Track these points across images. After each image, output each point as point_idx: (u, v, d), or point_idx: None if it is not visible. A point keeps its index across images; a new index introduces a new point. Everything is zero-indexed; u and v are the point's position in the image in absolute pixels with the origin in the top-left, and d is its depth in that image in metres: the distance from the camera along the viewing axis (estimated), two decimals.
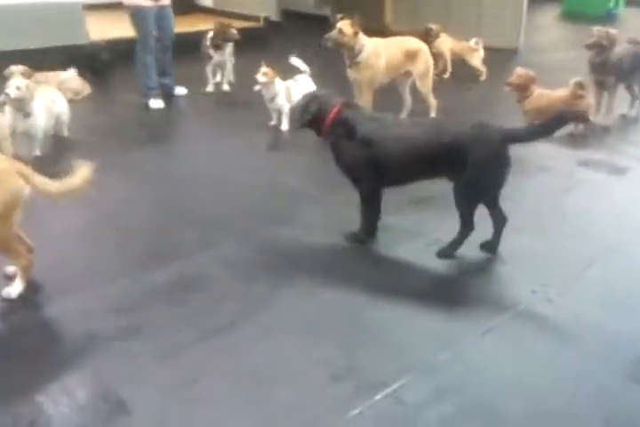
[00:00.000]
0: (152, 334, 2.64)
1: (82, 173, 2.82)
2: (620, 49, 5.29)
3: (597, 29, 5.34)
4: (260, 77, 5.02)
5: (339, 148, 3.24)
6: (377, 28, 5.08)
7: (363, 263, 3.23)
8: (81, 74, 6.16)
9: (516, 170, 4.41)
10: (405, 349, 2.57)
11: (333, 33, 4.82)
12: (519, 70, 5.08)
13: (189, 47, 7.76)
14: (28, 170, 2.78)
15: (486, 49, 7.96)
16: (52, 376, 2.38)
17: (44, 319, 2.76)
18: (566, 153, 4.79)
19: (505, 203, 3.92)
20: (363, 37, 4.90)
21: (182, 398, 2.28)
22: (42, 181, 2.78)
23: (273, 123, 5.33)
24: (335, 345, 2.58)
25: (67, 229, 3.53)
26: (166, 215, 3.74)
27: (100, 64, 6.70)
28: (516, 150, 4.81)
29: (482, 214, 3.28)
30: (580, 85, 4.91)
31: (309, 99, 3.28)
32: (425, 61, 5.23)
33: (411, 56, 5.17)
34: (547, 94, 5.01)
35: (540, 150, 4.85)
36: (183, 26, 8.49)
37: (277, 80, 5.11)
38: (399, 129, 3.19)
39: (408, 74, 5.29)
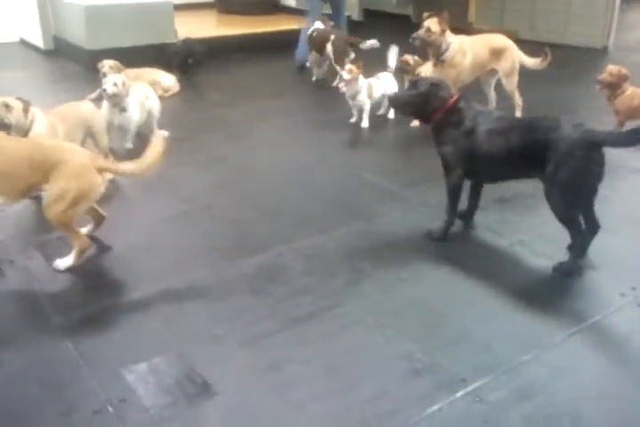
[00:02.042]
0: (235, 321, 2.71)
1: (155, 145, 3.05)
2: None
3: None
4: (344, 74, 5.06)
5: (444, 135, 3.32)
6: (460, 27, 5.00)
7: (444, 261, 3.20)
8: (170, 71, 6.40)
9: (609, 171, 4.26)
10: (486, 348, 2.54)
11: (421, 31, 4.81)
12: (611, 67, 4.88)
13: (276, 46, 7.98)
14: (107, 163, 3.17)
15: (574, 48, 7.72)
16: (140, 357, 2.48)
17: (132, 303, 2.88)
18: None
19: (597, 204, 3.82)
20: (449, 35, 4.86)
21: (264, 384, 2.34)
22: (123, 166, 3.12)
23: (353, 120, 5.36)
24: (415, 340, 2.58)
25: (159, 219, 3.67)
26: (251, 208, 3.83)
27: (188, 62, 6.93)
28: (608, 151, 4.67)
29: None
30: None
31: (429, 86, 3.33)
32: (511, 59, 5.13)
33: (497, 54, 5.08)
34: None
35: (634, 151, 4.64)
36: (269, 26, 8.71)
37: (360, 77, 5.14)
38: (499, 123, 3.18)
39: (493, 71, 5.20)
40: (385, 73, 5.37)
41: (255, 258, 3.22)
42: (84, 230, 3.32)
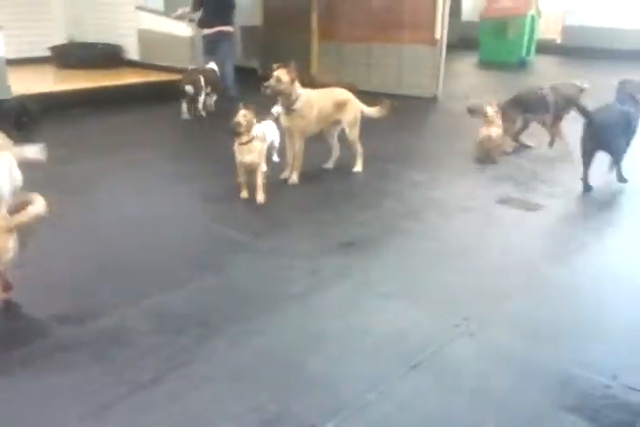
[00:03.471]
0: (77, 392, 2.56)
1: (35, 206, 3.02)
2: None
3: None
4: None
5: None
6: (304, 80, 5.23)
7: (293, 308, 3.25)
8: (4, 130, 6.05)
9: (440, 212, 4.65)
10: (334, 390, 2.59)
11: (272, 81, 4.97)
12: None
13: (118, 100, 7.86)
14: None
15: (408, 98, 8.37)
16: None
17: None
18: (485, 193, 5.02)
19: (429, 242, 4.11)
20: (298, 86, 5.06)
21: None
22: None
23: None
24: (266, 391, 2.58)
25: None
26: (93, 268, 3.67)
27: (22, 120, 6.60)
28: (437, 192, 5.07)
29: None
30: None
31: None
32: (353, 111, 5.43)
33: (340, 106, 5.37)
34: None
35: (461, 192, 5.09)
36: (111, 79, 8.58)
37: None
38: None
39: (337, 123, 5.48)
40: (268, 120, 5.37)
41: (98, 321, 3.07)
42: None
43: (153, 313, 3.17)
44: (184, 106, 7.38)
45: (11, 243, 2.97)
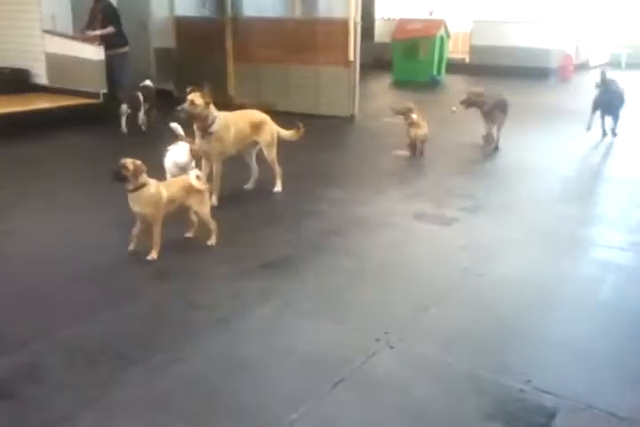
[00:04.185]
0: None
1: None
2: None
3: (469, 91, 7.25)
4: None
5: None
6: (222, 101, 5.21)
7: (214, 334, 3.20)
8: None
9: (361, 228, 4.73)
10: (259, 412, 2.56)
11: (185, 104, 4.90)
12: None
13: (27, 126, 7.57)
14: None
15: (326, 117, 8.51)
16: None
17: None
18: (403, 209, 5.15)
19: (350, 259, 4.17)
20: (214, 109, 5.02)
21: None
22: None
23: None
24: (187, 419, 2.51)
25: None
26: (1, 300, 3.48)
27: None
28: (358, 209, 5.16)
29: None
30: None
31: None
32: (269, 131, 5.45)
33: (256, 127, 5.38)
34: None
35: (381, 208, 5.20)
36: (18, 105, 8.26)
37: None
38: None
39: (254, 144, 5.49)
40: (181, 142, 5.07)
41: (7, 358, 2.92)
42: None
43: (66, 347, 3.03)
44: (123, 121, 7.82)
45: None
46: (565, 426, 2.51)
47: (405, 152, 6.82)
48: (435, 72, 13.10)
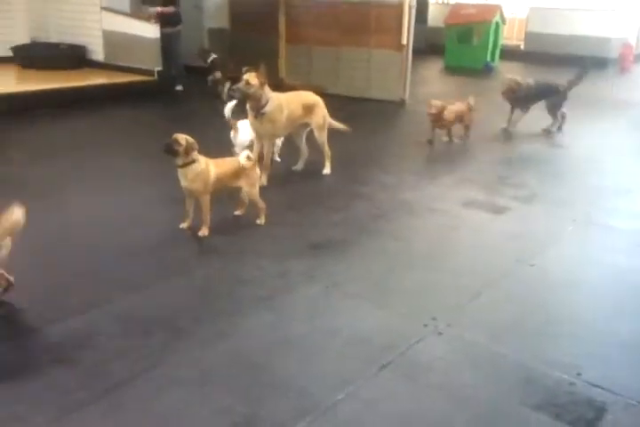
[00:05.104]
0: (41, 397, 2.50)
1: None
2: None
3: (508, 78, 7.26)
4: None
5: None
6: (272, 82, 5.21)
7: (261, 311, 3.24)
8: None
9: (409, 213, 4.70)
10: (303, 391, 2.59)
11: (241, 84, 4.93)
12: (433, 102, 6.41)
13: (83, 101, 7.74)
14: None
15: (376, 101, 8.43)
16: None
17: None
18: (453, 195, 5.08)
19: (397, 243, 4.15)
20: (268, 90, 5.03)
21: None
22: None
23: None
24: (235, 393, 2.56)
25: None
26: (59, 269, 3.59)
27: None
28: (407, 194, 5.13)
29: None
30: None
31: None
32: (321, 114, 5.45)
33: (308, 109, 5.37)
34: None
35: (430, 193, 5.14)
36: (75, 80, 8.44)
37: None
38: None
39: (305, 126, 5.48)
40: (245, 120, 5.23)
41: (64, 324, 3.01)
42: None
43: (121, 316, 3.12)
44: (223, 90, 8.29)
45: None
46: (617, 422, 2.46)
47: (449, 138, 6.76)
48: (488, 58, 12.82)
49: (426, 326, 3.08)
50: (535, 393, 2.60)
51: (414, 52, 8.97)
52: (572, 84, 7.18)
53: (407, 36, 8.68)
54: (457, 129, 6.75)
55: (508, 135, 7.19)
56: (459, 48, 12.87)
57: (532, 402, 2.54)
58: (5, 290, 3.20)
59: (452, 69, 12.71)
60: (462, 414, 2.48)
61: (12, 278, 3.22)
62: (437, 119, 6.47)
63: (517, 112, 7.25)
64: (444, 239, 4.26)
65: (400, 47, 8.74)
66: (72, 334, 2.96)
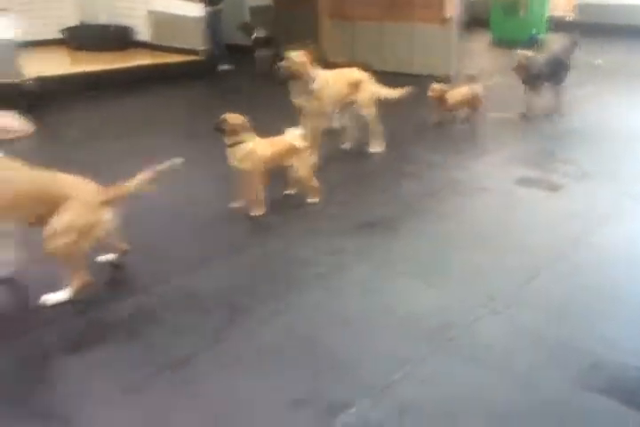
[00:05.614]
0: (112, 369, 2.61)
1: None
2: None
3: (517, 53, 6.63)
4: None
5: None
6: (317, 60, 5.17)
7: (316, 289, 3.28)
8: (19, 112, 6.07)
9: (458, 191, 4.65)
10: (360, 370, 2.61)
11: (285, 62, 4.91)
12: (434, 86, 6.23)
13: (133, 82, 7.84)
14: (114, 192, 3.25)
15: (420, 76, 8.29)
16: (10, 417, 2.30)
17: None
18: (504, 173, 4.99)
19: (449, 222, 4.11)
20: (314, 67, 4.99)
21: None
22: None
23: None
24: (292, 370, 2.61)
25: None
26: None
27: (32, 101, 6.62)
28: (455, 173, 5.06)
29: None
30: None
31: None
32: (368, 90, 5.39)
33: (355, 86, 5.32)
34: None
35: (479, 171, 5.07)
36: (122, 61, 8.55)
37: None
38: None
39: (353, 103, 5.44)
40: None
41: (133, 299, 3.14)
42: (106, 258, 3.42)
43: (182, 294, 3.21)
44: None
45: (104, 216, 3.14)
46: None
47: (505, 114, 6.59)
48: (536, 31, 12.42)
49: (483, 306, 3.06)
50: (600, 378, 2.54)
51: (459, 25, 8.77)
52: (569, 54, 6.67)
53: (452, 9, 8.48)
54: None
55: (536, 117, 6.89)
56: (505, 20, 12.49)
57: (599, 387, 2.48)
58: (121, 255, 3.42)
59: (498, 42, 12.37)
60: (524, 398, 2.45)
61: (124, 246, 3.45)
62: (440, 103, 6.31)
63: (531, 93, 6.58)
64: (498, 218, 4.20)
65: (445, 20, 8.54)
66: (139, 309, 3.07)
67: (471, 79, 6.59)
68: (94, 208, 3.07)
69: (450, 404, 2.42)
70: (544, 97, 6.61)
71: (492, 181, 4.85)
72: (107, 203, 3.14)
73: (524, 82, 6.56)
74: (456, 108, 6.41)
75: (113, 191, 3.20)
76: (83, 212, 3.02)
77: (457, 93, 6.38)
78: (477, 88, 6.49)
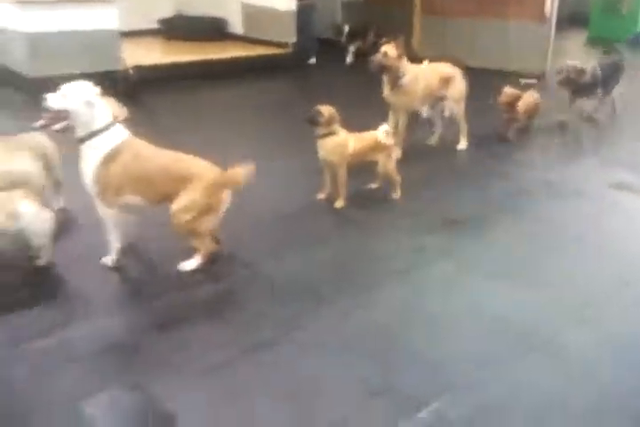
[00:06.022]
0: (193, 350, 2.69)
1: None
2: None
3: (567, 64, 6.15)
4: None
5: None
6: (408, 55, 5.12)
7: (397, 285, 3.25)
8: (118, 98, 6.32)
9: (551, 193, 4.48)
10: (442, 367, 2.58)
11: (378, 55, 4.90)
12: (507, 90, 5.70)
13: (227, 73, 8.02)
14: (229, 176, 3.33)
15: (515, 74, 8.06)
16: (96, 387, 2.43)
17: (87, 335, 2.79)
18: (598, 176, 4.79)
19: (540, 224, 3.98)
20: (406, 62, 4.97)
21: (226, 415, 2.32)
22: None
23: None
24: (373, 363, 2.60)
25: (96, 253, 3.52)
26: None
27: (135, 89, 6.91)
28: (546, 174, 4.88)
29: None
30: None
31: None
32: (459, 86, 5.30)
33: (445, 81, 5.24)
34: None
35: (572, 174, 4.88)
36: (216, 52, 8.76)
37: None
38: None
39: (442, 98, 5.36)
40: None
41: (211, 284, 3.21)
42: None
43: (265, 280, 3.26)
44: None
45: (225, 196, 3.29)
46: None
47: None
48: (639, 29, 11.79)
49: (573, 312, 2.95)
50: None
51: (556, 22, 8.45)
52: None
53: (551, 6, 8.18)
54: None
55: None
56: (605, 18, 11.93)
57: None
58: (217, 243, 3.47)
59: (596, 41, 11.82)
60: (611, 409, 2.36)
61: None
62: (510, 109, 5.66)
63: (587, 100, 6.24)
64: (590, 222, 4.02)
65: (542, 17, 8.26)
66: (222, 294, 3.15)
67: (528, 87, 6.22)
68: (217, 189, 3.24)
69: (531, 409, 2.35)
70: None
71: (586, 183, 4.66)
72: (226, 185, 3.28)
73: (573, 93, 6.16)
74: (524, 116, 5.80)
75: (231, 175, 3.31)
76: (207, 192, 3.20)
77: (529, 98, 5.85)
78: (537, 95, 6.06)
